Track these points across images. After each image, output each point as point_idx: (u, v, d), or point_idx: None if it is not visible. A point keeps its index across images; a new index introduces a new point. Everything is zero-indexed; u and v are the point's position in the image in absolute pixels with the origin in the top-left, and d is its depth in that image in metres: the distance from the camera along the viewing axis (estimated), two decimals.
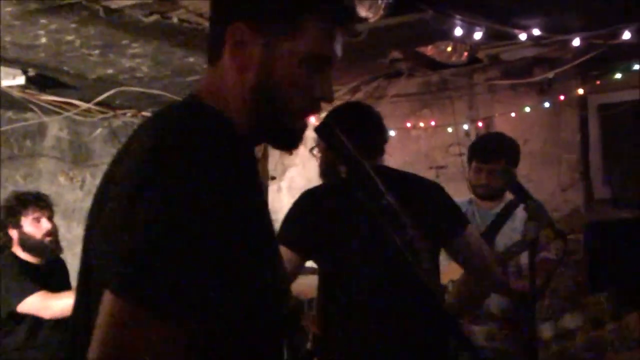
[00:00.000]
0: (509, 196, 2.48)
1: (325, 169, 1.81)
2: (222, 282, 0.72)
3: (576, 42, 3.02)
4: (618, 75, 3.53)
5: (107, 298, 0.68)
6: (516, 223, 2.33)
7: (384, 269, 1.61)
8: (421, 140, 4.03)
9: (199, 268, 0.69)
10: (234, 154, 0.77)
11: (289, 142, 0.91)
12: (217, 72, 0.88)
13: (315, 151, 1.88)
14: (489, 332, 2.32)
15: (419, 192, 1.73)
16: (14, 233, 2.74)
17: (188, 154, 0.73)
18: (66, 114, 3.71)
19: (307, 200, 1.77)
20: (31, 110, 3.67)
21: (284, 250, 1.68)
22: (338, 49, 0.88)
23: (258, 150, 4.44)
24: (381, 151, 1.81)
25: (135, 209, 0.70)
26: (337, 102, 4.71)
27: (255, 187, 0.83)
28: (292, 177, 4.41)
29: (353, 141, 1.80)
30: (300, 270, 1.74)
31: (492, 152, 2.40)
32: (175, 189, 0.70)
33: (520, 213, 2.33)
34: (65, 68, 3.17)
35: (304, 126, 0.89)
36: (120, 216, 0.72)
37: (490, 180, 2.40)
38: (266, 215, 0.86)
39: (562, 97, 3.61)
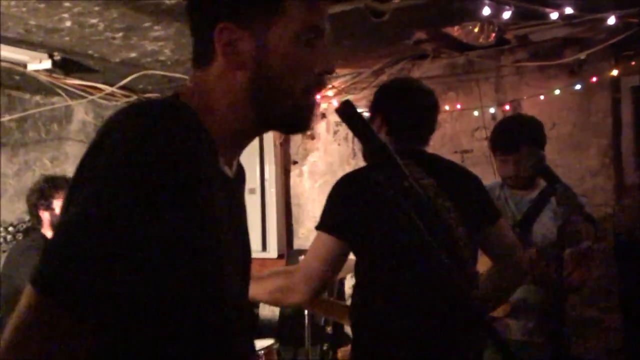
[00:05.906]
0: (543, 182, 2.40)
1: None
2: (148, 283, 0.73)
3: (611, 20, 2.90)
4: None
5: (27, 287, 0.71)
6: (552, 212, 2.25)
7: (422, 261, 1.57)
8: (446, 124, 3.95)
9: (118, 267, 0.71)
10: (181, 161, 0.75)
11: (301, 124, 0.91)
12: (207, 75, 0.89)
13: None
14: (525, 326, 2.23)
15: (458, 180, 1.74)
16: (45, 215, 2.86)
17: (126, 154, 0.73)
18: (91, 97, 3.74)
19: (346, 186, 1.69)
20: (57, 94, 3.70)
21: (326, 238, 1.63)
22: (324, 20, 0.89)
23: (280, 136, 4.42)
24: (424, 139, 1.77)
25: (68, 208, 0.74)
26: (361, 85, 4.58)
27: (203, 191, 0.79)
28: (314, 162, 4.39)
29: (395, 125, 1.71)
30: (346, 257, 1.67)
31: (514, 141, 2.27)
32: (105, 188, 0.72)
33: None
34: (90, 52, 3.18)
35: (312, 104, 0.90)
36: (62, 212, 0.77)
37: (518, 171, 2.30)
38: (215, 223, 0.82)
39: (593, 79, 3.49)
